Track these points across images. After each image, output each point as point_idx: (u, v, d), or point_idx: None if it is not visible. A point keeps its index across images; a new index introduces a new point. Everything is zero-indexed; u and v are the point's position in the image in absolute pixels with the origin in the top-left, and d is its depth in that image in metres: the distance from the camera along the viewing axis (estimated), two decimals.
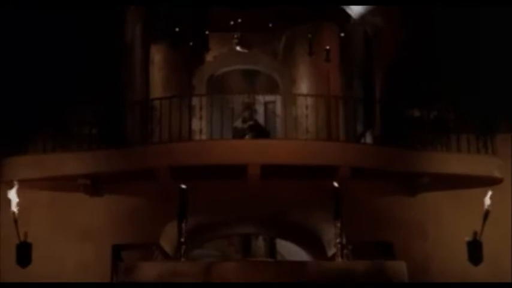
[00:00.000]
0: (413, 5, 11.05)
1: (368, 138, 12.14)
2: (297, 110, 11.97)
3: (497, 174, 10.38)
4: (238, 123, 12.53)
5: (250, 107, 12.80)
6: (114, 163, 10.11)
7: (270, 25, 14.01)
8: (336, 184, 8.26)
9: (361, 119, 12.81)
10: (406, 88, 11.04)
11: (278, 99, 14.70)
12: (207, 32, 13.72)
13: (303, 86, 14.54)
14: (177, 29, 12.97)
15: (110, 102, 10.66)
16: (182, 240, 8.08)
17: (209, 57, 15.45)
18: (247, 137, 11.82)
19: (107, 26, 10.92)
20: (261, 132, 12.26)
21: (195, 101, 12.25)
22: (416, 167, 10.22)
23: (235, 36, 14.21)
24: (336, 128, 12.12)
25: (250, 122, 12.43)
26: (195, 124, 12.56)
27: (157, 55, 14.36)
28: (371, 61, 12.82)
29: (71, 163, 10.10)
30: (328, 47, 12.29)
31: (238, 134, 12.13)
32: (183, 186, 8.58)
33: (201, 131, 11.45)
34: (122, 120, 10.87)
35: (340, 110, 12.28)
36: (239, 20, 13.32)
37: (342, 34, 13.76)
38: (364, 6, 12.22)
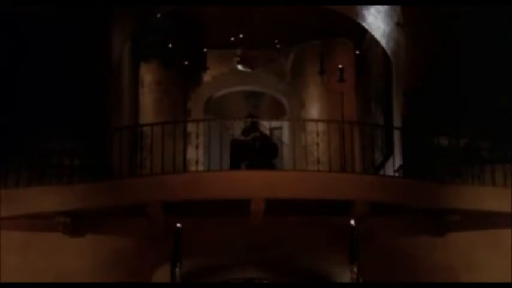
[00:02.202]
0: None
1: (388, 170, 12.03)
2: (306, 137, 11.94)
3: None
4: (238, 136, 12.36)
5: (253, 116, 12.62)
6: (98, 198, 10.03)
7: (276, 41, 14.04)
8: (352, 222, 8.15)
9: (379, 147, 12.75)
10: (431, 112, 10.98)
11: (285, 124, 14.70)
12: (204, 49, 13.74)
13: (313, 110, 14.58)
14: (170, 46, 12.96)
15: (94, 129, 10.65)
16: None
17: (207, 78, 15.53)
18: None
19: (91, 43, 10.92)
20: (268, 146, 12.08)
21: (191, 127, 12.27)
22: (444, 203, 10.11)
23: (237, 53, 14.23)
24: (351, 157, 12.09)
25: (255, 134, 12.22)
26: (191, 153, 12.58)
27: (147, 75, 14.44)
28: (390, 82, 12.82)
29: (49, 199, 10.01)
30: (341, 66, 12.32)
31: (239, 150, 11.92)
32: (178, 225, 8.49)
33: (197, 161, 11.41)
34: (107, 149, 10.85)
35: (355, 137, 12.29)
36: (241, 36, 13.33)
37: (357, 51, 13.74)
38: (384, 21, 12.19)
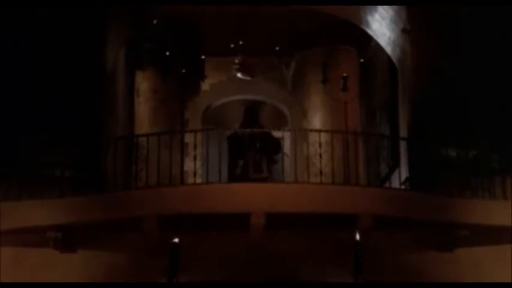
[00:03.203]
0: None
1: (394, 182, 11.99)
2: (308, 148, 11.88)
3: None
4: (236, 130, 12.25)
5: (253, 108, 12.51)
6: (91, 212, 10.00)
7: (277, 48, 14.02)
8: (357, 236, 8.12)
9: (385, 158, 12.72)
10: (438, 122, 10.97)
11: (286, 135, 14.65)
12: (202, 57, 13.73)
13: (316, 120, 14.57)
14: (167, 53, 12.96)
15: (87, 139, 10.62)
16: None
17: (205, 86, 15.54)
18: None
19: (84, 49, 10.90)
20: (268, 141, 11.99)
21: (188, 137, 12.23)
22: (452, 217, 10.08)
23: (236, 61, 14.23)
24: (355, 169, 12.05)
25: (254, 128, 12.09)
26: (188, 165, 12.53)
27: (143, 84, 14.45)
28: (396, 90, 12.82)
29: (39, 213, 9.97)
30: (345, 74, 12.29)
31: (237, 146, 11.83)
32: (175, 239, 8.46)
33: (195, 173, 11.33)
34: (101, 160, 10.83)
35: (360, 148, 12.28)
36: (240, 43, 13.32)
37: (362, 59, 13.74)
38: (389, 27, 12.18)
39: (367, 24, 12.76)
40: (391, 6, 11.95)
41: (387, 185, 12.32)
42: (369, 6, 12.35)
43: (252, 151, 11.71)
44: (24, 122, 10.45)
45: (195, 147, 11.20)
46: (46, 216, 9.96)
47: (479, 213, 10.13)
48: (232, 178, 12.30)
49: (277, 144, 12.25)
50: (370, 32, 12.92)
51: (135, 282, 10.07)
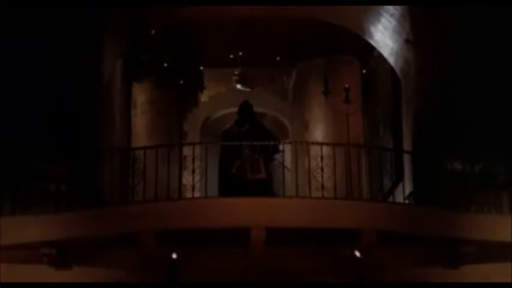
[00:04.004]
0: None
1: (397, 196, 11.96)
2: (310, 162, 11.80)
3: None
4: (230, 127, 12.15)
5: (249, 105, 12.41)
6: (87, 227, 9.97)
7: (277, 59, 14.03)
8: (357, 254, 8.07)
9: (388, 172, 12.70)
10: (443, 135, 10.95)
11: (287, 148, 14.59)
12: (201, 68, 13.73)
13: (318, 133, 14.56)
14: (165, 64, 12.96)
15: (83, 153, 10.57)
16: None
17: (204, 98, 15.56)
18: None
19: (80, 60, 10.89)
20: (265, 138, 11.90)
21: (187, 150, 12.18)
22: (458, 232, 10.05)
23: (236, 72, 14.24)
24: (357, 183, 11.98)
25: (250, 124, 11.98)
26: (187, 179, 12.48)
27: (140, 95, 14.46)
28: (399, 102, 12.80)
29: (33, 228, 9.93)
30: (347, 86, 12.28)
31: (231, 143, 11.69)
32: (173, 255, 8.43)
33: (193, 187, 11.27)
34: (96, 174, 10.79)
35: (362, 161, 12.20)
36: (240, 53, 13.33)
37: (364, 70, 13.74)
38: (392, 38, 12.18)
39: (370, 34, 12.77)
40: (394, 16, 11.96)
41: (391, 199, 12.34)
42: (371, 16, 12.35)
43: (248, 149, 11.57)
44: (18, 134, 10.43)
45: (193, 160, 11.14)
46: (40, 232, 9.93)
47: (486, 228, 10.09)
48: (226, 179, 12.03)
49: (275, 145, 12.14)
50: (372, 42, 12.93)
51: None
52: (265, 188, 12.16)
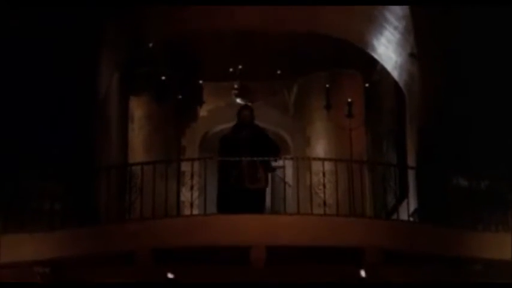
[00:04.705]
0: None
1: (402, 214, 11.93)
2: (311, 178, 11.77)
3: None
4: (228, 132, 12.01)
5: (247, 108, 12.29)
6: (82, 246, 9.94)
7: (278, 72, 14.03)
8: (362, 273, 8.05)
9: (392, 189, 12.66)
10: (448, 151, 10.92)
11: (288, 164, 14.58)
12: (200, 81, 13.73)
13: (319, 148, 14.57)
14: (163, 78, 12.96)
15: (78, 169, 10.58)
16: None
17: (203, 112, 15.56)
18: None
19: (75, 73, 10.89)
20: (266, 146, 11.83)
21: (185, 166, 12.16)
22: (464, 251, 10.01)
23: (235, 86, 14.22)
24: (360, 200, 12.00)
25: (249, 130, 11.85)
26: (185, 195, 12.46)
27: (138, 110, 14.49)
28: (403, 117, 12.82)
29: (27, 247, 9.91)
30: (350, 100, 12.37)
31: (229, 151, 11.61)
32: (170, 275, 8.40)
33: (192, 204, 11.25)
34: (92, 191, 10.81)
35: (365, 177, 12.20)
36: (240, 66, 13.33)
37: (367, 84, 13.77)
38: (395, 51, 12.20)
39: (373, 47, 12.78)
40: (397, 29, 11.97)
41: (395, 217, 12.21)
42: (374, 29, 12.39)
43: (247, 156, 11.47)
44: (10, 151, 10.42)
45: (192, 176, 11.13)
46: (34, 251, 9.91)
47: (493, 247, 10.05)
48: (224, 187, 11.87)
49: (275, 149, 12.04)
50: (375, 55, 12.95)
51: None
52: (263, 199, 12.00)
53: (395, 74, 12.67)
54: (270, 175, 12.56)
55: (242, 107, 12.30)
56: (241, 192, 11.53)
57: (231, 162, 11.41)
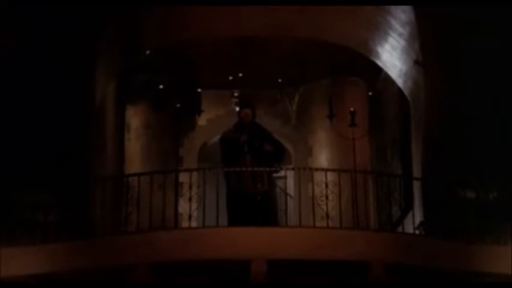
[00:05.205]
0: None
1: (407, 226, 11.91)
2: (314, 189, 11.75)
3: None
4: (228, 133, 11.84)
5: (248, 107, 12.15)
6: (76, 259, 9.92)
7: (279, 80, 14.02)
8: None
9: (397, 200, 12.63)
10: (455, 161, 10.89)
11: (290, 174, 14.58)
12: (198, 90, 13.71)
13: (322, 158, 14.58)
14: (160, 86, 12.95)
15: (73, 180, 10.56)
16: None
17: (202, 121, 15.55)
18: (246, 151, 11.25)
19: (70, 82, 10.89)
20: (267, 142, 11.74)
21: (183, 177, 12.14)
22: (473, 265, 9.98)
23: (235, 94, 14.20)
24: (364, 212, 11.96)
25: (249, 133, 11.75)
26: (183, 207, 12.41)
27: (134, 119, 14.51)
28: (408, 126, 12.83)
29: (19, 261, 9.89)
30: (353, 109, 12.30)
31: (229, 153, 11.51)
32: None
33: (190, 216, 11.22)
34: (87, 202, 10.77)
35: (369, 189, 12.18)
36: (240, 74, 13.31)
37: (371, 92, 13.77)
38: (400, 58, 12.20)
39: (377, 54, 12.80)
40: (402, 36, 11.99)
41: (400, 229, 12.18)
42: (378, 36, 12.42)
43: (249, 158, 11.38)
44: (3, 161, 10.39)
45: (190, 187, 11.10)
46: (27, 265, 9.88)
47: (503, 260, 10.02)
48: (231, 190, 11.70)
49: (280, 150, 11.90)
50: (379, 63, 12.98)
51: None
52: (268, 203, 11.79)
53: (399, 81, 12.69)
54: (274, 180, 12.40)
55: (242, 105, 12.08)
56: (243, 196, 11.37)
57: (233, 163, 11.25)
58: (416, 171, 11.96)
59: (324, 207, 11.07)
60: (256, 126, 11.87)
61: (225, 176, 11.45)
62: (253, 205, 11.23)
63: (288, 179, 14.73)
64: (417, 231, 11.23)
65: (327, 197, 11.05)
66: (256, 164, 11.22)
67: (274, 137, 11.95)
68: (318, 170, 12.40)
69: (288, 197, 14.21)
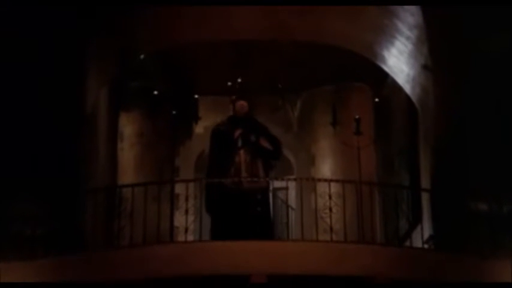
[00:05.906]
0: None
1: (415, 240, 11.90)
2: (317, 200, 11.73)
3: None
4: (221, 125, 11.74)
5: (243, 98, 12.08)
6: (66, 275, 9.87)
7: (280, 86, 14.02)
8: None
9: (404, 213, 12.64)
10: (465, 172, 10.85)
11: (292, 185, 14.58)
12: (195, 96, 13.68)
13: (325, 168, 14.63)
14: (155, 92, 12.95)
15: (62, 191, 10.54)
16: None
17: (199, 129, 15.59)
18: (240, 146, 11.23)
19: (60, 87, 10.87)
20: (261, 135, 11.69)
21: (179, 188, 12.10)
22: (484, 280, 9.93)
23: (234, 100, 14.19)
24: (370, 225, 11.91)
25: (244, 129, 11.65)
26: (179, 220, 12.41)
27: (128, 127, 14.56)
28: (417, 135, 12.88)
29: (5, 276, 9.82)
30: (358, 116, 12.36)
31: (221, 142, 11.41)
32: None
33: (186, 230, 11.18)
34: (78, 215, 10.77)
35: (375, 200, 12.19)
36: (239, 80, 13.28)
37: (377, 99, 13.80)
38: (408, 63, 12.22)
39: (383, 59, 12.82)
40: (409, 40, 11.99)
41: (408, 243, 12.30)
42: (384, 40, 12.44)
43: (245, 152, 11.32)
44: None
45: (186, 199, 11.07)
46: (14, 280, 9.79)
47: None
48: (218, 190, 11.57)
49: (277, 144, 11.86)
50: (386, 68, 13.00)
51: None
52: (264, 204, 11.69)
53: (407, 87, 12.69)
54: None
55: (237, 97, 11.98)
56: (237, 194, 11.25)
57: (226, 159, 11.19)
58: (425, 182, 11.96)
59: (328, 219, 11.07)
60: (252, 120, 11.79)
61: (208, 171, 11.34)
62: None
63: (289, 190, 14.76)
64: (426, 246, 11.20)
65: (330, 209, 11.06)
66: (251, 161, 11.23)
67: (271, 132, 11.89)
68: (321, 181, 12.36)
69: (290, 209, 14.21)
